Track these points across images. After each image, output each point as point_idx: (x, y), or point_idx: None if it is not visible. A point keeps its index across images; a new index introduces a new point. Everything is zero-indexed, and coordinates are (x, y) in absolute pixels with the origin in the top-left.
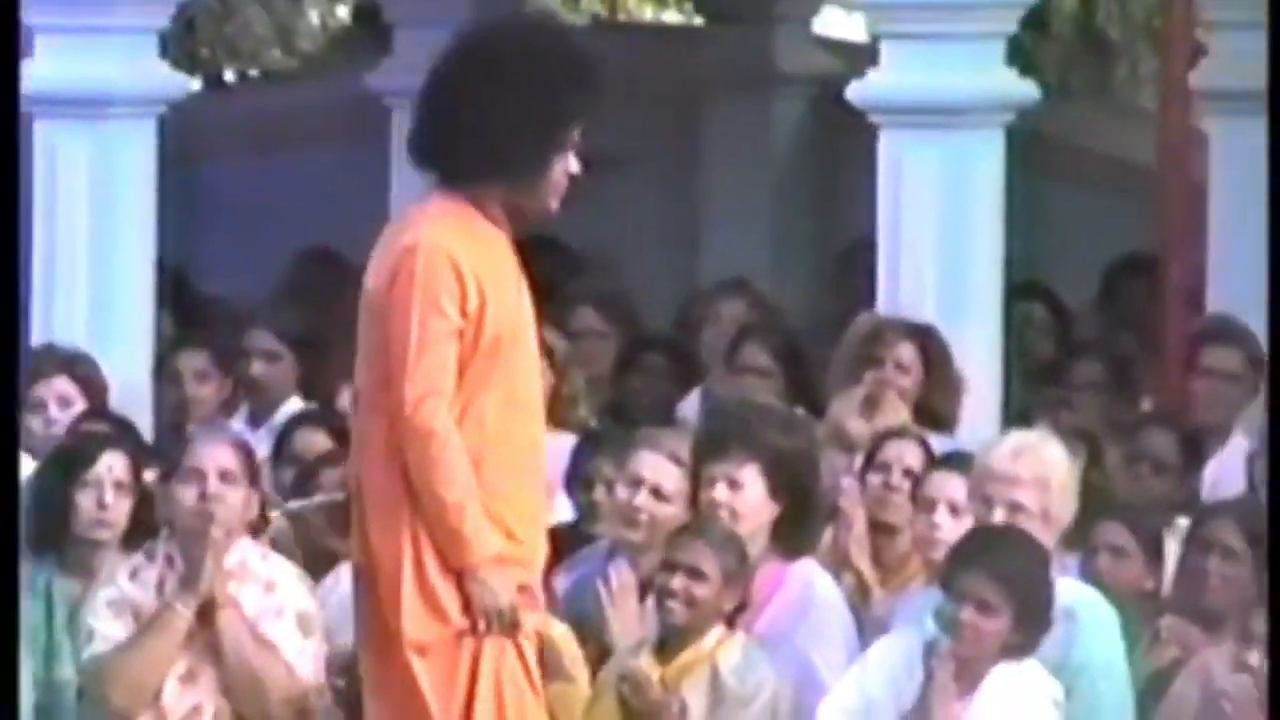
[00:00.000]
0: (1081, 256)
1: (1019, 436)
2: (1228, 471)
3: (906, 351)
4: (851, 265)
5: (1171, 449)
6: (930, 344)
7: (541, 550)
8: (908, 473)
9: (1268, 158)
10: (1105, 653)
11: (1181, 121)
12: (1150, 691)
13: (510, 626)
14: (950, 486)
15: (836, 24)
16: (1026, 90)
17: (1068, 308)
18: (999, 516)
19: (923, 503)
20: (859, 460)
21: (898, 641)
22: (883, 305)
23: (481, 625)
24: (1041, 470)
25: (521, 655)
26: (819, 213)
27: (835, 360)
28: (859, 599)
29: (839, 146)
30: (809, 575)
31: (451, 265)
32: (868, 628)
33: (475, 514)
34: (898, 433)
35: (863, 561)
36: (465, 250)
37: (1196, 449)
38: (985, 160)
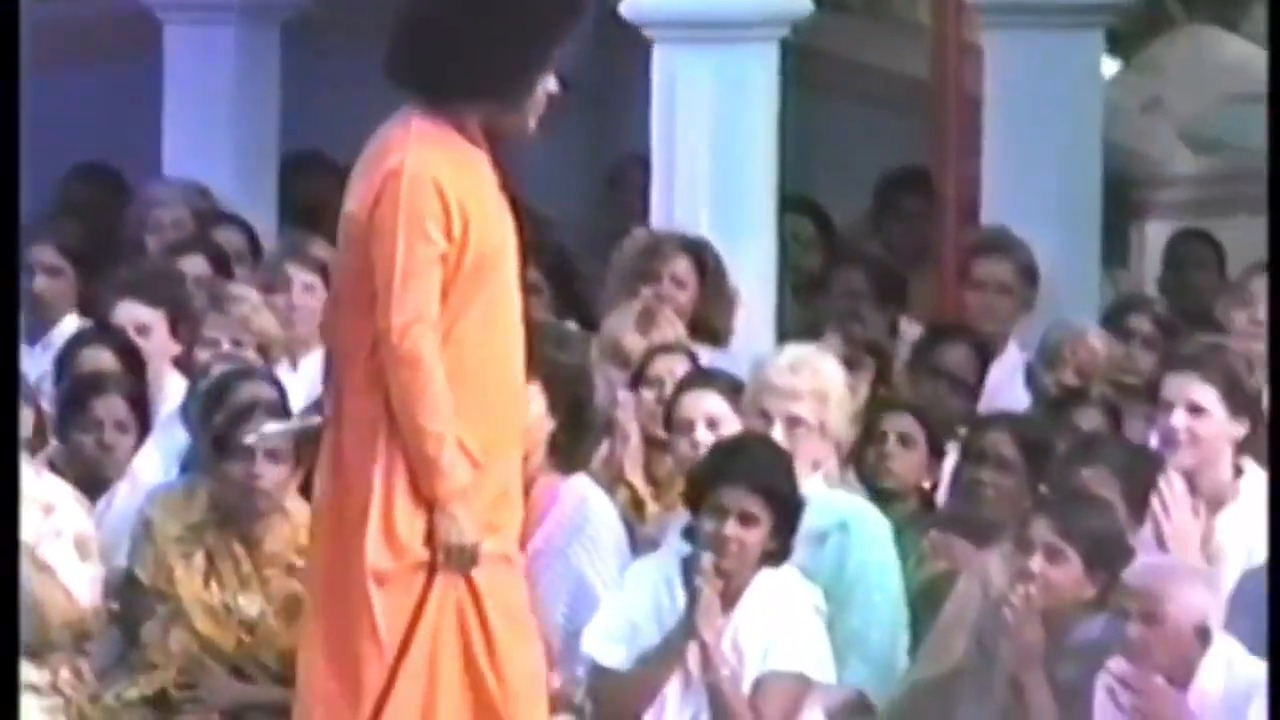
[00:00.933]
0: (857, 171)
1: (796, 350)
2: (1003, 383)
3: (681, 266)
4: (624, 181)
5: (964, 362)
6: (705, 258)
7: (509, 473)
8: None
9: (1268, 154)
10: (878, 563)
11: (955, 35)
12: (923, 601)
13: (468, 563)
14: (705, 403)
15: None
16: (800, 4)
17: (834, 222)
18: (777, 430)
19: (680, 424)
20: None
21: (654, 563)
22: (657, 220)
23: (441, 558)
24: (819, 383)
25: (474, 588)
26: (591, 129)
27: (610, 276)
28: (633, 513)
29: (611, 62)
30: (583, 490)
31: (437, 190)
32: (641, 543)
33: (452, 446)
34: (670, 347)
35: (636, 476)
36: (449, 173)
37: (983, 362)
38: (759, 75)
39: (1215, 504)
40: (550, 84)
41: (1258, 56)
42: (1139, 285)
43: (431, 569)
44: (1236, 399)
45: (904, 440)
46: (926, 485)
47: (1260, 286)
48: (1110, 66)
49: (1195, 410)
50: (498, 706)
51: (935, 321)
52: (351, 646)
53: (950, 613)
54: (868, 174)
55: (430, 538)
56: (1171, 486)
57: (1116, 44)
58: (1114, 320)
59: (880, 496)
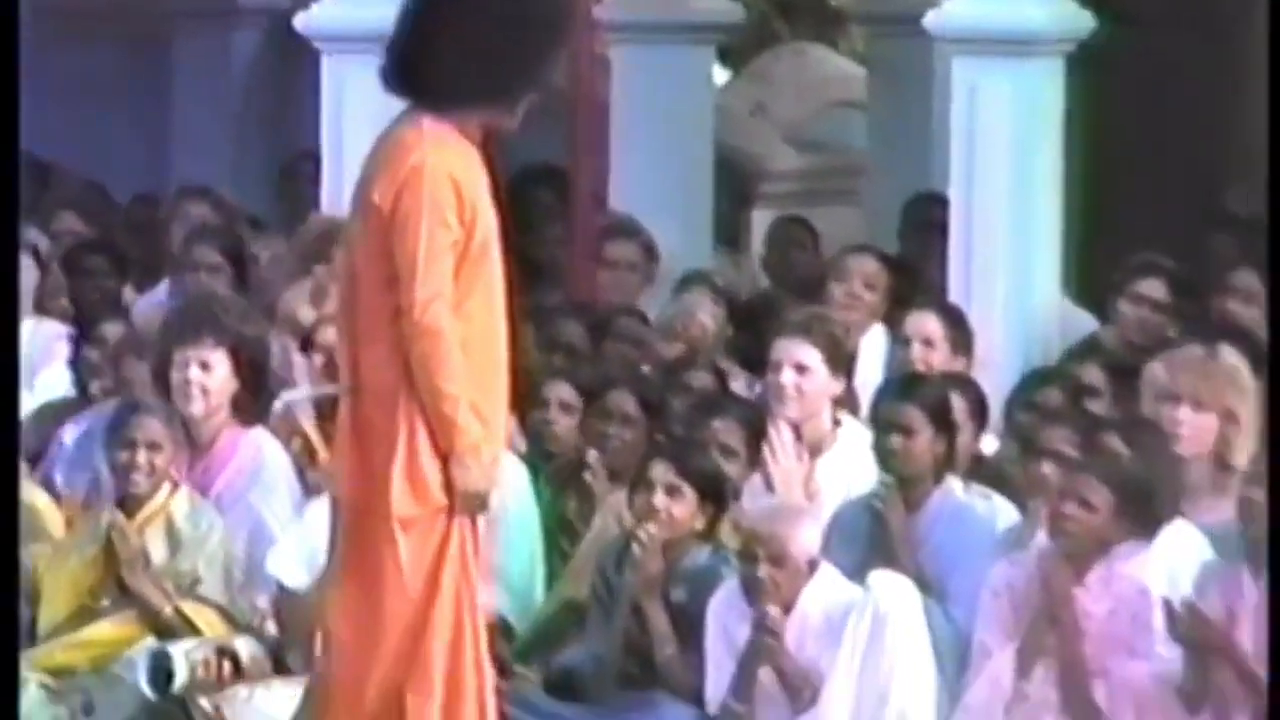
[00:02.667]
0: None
1: None
2: None
3: None
4: (298, 175)
5: (580, 335)
6: None
7: (503, 430)
8: None
9: (1268, 150)
10: (518, 506)
11: (588, 49)
12: (561, 536)
13: (480, 507)
14: None
15: None
16: None
17: None
18: None
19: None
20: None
21: (324, 501)
22: (328, 208)
23: (458, 504)
24: None
25: (475, 529)
26: (269, 128)
27: (286, 255)
28: (306, 459)
29: (285, 70)
30: (260, 441)
31: (453, 183)
32: (313, 485)
33: (465, 406)
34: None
35: (309, 427)
36: (461, 169)
37: (602, 334)
38: None
39: (815, 451)
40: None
41: (854, 70)
42: (749, 264)
43: (450, 513)
44: (836, 360)
45: (564, 407)
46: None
47: (855, 263)
48: (722, 76)
49: (801, 369)
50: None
51: (568, 299)
52: (376, 589)
53: (586, 546)
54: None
55: (447, 488)
56: (780, 436)
57: (728, 57)
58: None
59: (542, 456)
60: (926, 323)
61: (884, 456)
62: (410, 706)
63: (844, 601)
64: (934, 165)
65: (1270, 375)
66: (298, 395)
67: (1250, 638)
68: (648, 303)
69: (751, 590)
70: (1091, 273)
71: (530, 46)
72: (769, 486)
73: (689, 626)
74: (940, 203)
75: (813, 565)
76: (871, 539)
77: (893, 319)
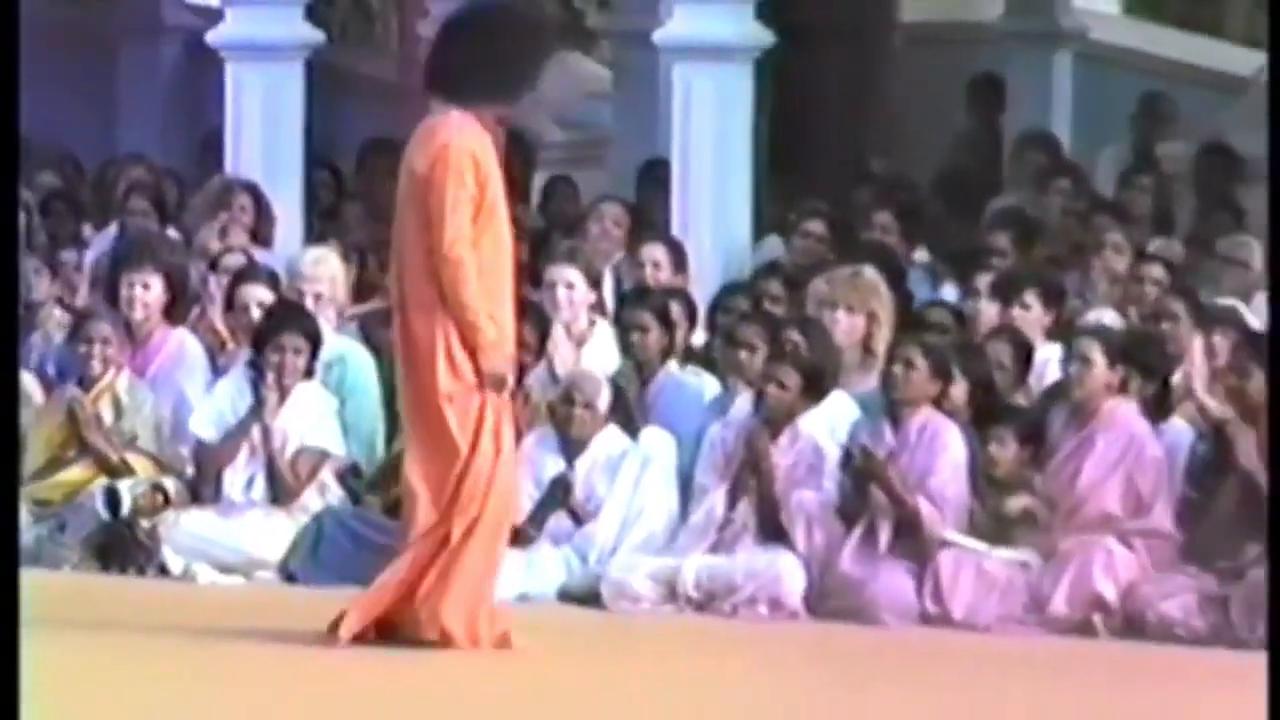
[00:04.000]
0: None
1: (315, 250)
2: None
3: (244, 199)
4: (209, 147)
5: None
6: (259, 194)
7: (512, 331)
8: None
9: (1268, 158)
10: (365, 380)
11: (416, 53)
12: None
13: (501, 385)
14: (255, 290)
15: None
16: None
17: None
18: (308, 300)
19: (239, 302)
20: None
21: (232, 378)
22: (230, 171)
23: (486, 382)
24: (330, 271)
25: (504, 402)
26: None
27: (198, 203)
28: (218, 348)
29: (204, 73)
30: (182, 337)
31: (472, 158)
32: (221, 368)
33: (483, 312)
34: (233, 249)
35: (220, 325)
36: (477, 146)
37: None
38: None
39: (580, 343)
40: (531, 93)
41: (603, 71)
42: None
43: (480, 389)
44: (591, 279)
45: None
46: None
47: (606, 209)
48: None
49: (569, 285)
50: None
51: None
52: (433, 447)
53: None
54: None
55: (476, 372)
56: (557, 333)
57: None
58: None
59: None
60: (655, 251)
61: (625, 347)
62: (454, 526)
63: (621, 448)
64: (659, 139)
65: (1270, 374)
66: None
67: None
68: None
69: (564, 427)
70: (774, 214)
71: (524, 60)
72: (550, 369)
73: None
74: (665, 165)
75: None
76: (615, 406)
77: (632, 248)
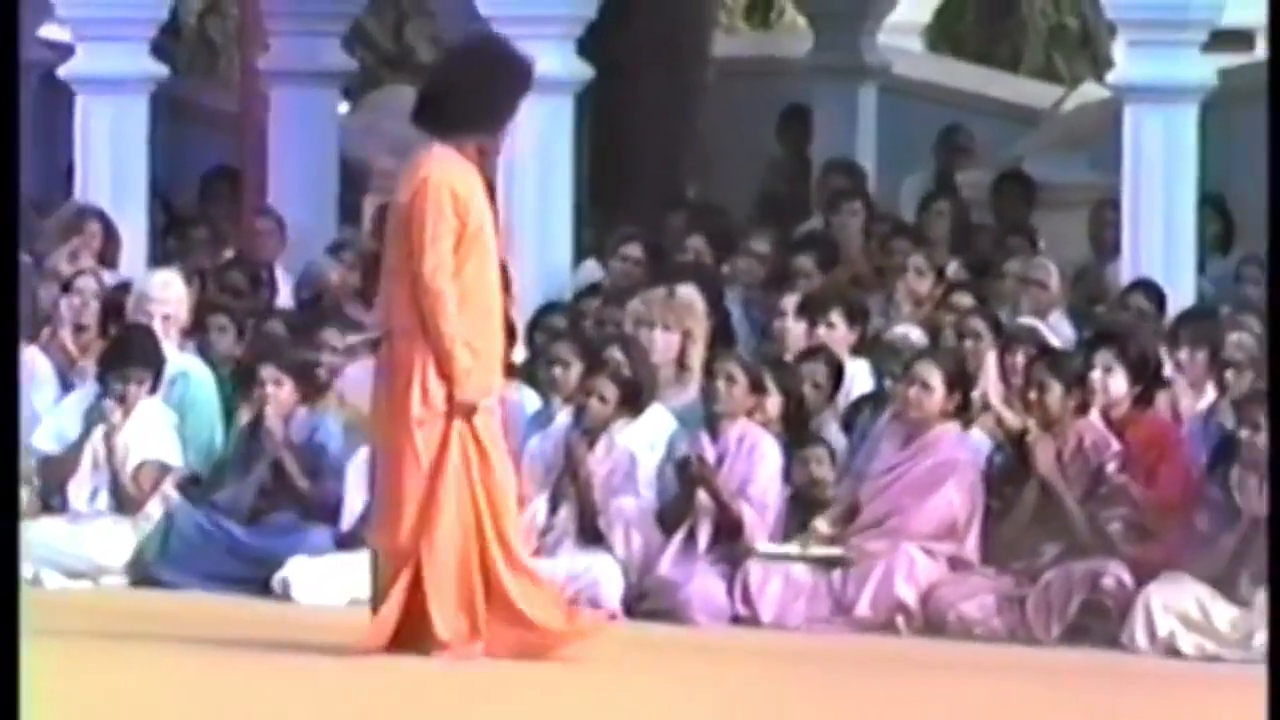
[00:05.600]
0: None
1: (162, 274)
2: None
3: (94, 225)
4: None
5: (243, 280)
6: (107, 220)
7: (495, 358)
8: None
9: (1268, 158)
10: (205, 395)
11: (254, 89)
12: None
13: (469, 413)
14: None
15: None
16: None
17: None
18: (156, 323)
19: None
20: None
21: (76, 397)
22: (80, 198)
23: (455, 410)
24: (177, 292)
25: (473, 428)
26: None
27: (50, 228)
28: (68, 365)
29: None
30: (32, 356)
31: (450, 190)
32: (71, 383)
33: (461, 343)
34: (84, 272)
35: (70, 345)
36: (458, 179)
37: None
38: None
39: None
40: (511, 124)
41: None
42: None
43: (449, 417)
44: None
45: (220, 330)
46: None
47: None
48: (344, 107)
49: None
50: (490, 497)
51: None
52: (400, 469)
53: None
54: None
55: (448, 399)
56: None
57: (349, 93)
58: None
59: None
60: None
61: None
62: (422, 550)
63: None
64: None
65: (1270, 373)
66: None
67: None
68: (287, 260)
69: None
70: (595, 239)
71: (503, 95)
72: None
73: (316, 470)
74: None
75: None
76: None
77: None
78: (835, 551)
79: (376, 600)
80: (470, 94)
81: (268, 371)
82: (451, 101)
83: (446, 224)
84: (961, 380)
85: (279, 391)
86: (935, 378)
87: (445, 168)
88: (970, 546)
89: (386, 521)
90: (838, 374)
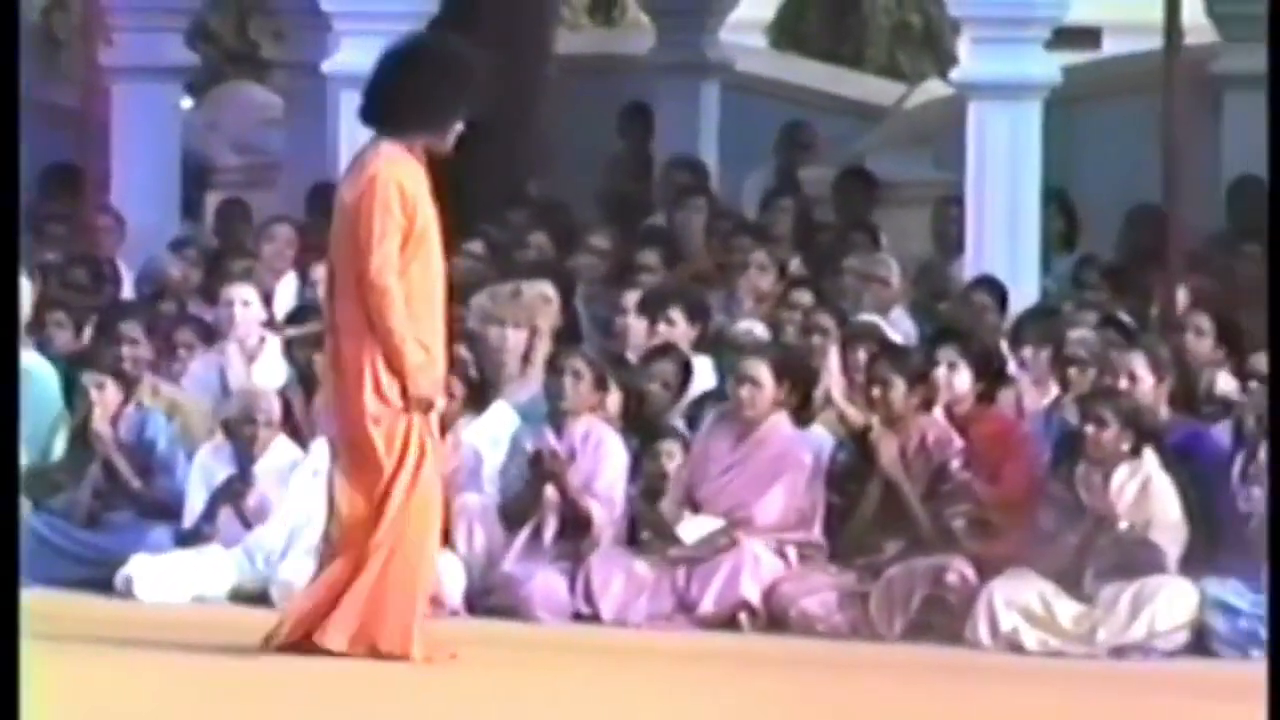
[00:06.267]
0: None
1: None
2: None
3: None
4: None
5: (85, 275)
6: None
7: (443, 354)
8: None
9: (1268, 153)
10: (46, 396)
11: (95, 85)
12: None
13: (427, 408)
14: None
15: None
16: None
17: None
18: None
19: None
20: None
21: None
22: None
23: (411, 405)
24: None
25: (427, 422)
26: None
27: None
28: None
29: None
30: None
31: (399, 188)
32: None
33: (409, 338)
34: None
35: None
36: (405, 177)
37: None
38: None
39: (252, 358)
40: (459, 125)
41: (275, 99)
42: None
43: (406, 412)
44: (265, 297)
45: (59, 325)
46: None
47: (276, 230)
48: (187, 104)
49: (245, 304)
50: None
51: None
52: (359, 465)
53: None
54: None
55: (403, 395)
56: (230, 348)
57: (193, 89)
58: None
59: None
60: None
61: (293, 361)
62: (381, 544)
63: (291, 458)
64: (328, 163)
65: (1271, 374)
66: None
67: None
68: (128, 255)
69: (239, 439)
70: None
71: (451, 93)
72: (223, 382)
73: (147, 468)
74: (332, 188)
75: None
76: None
77: (303, 268)
78: (716, 525)
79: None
80: (417, 92)
81: (88, 376)
82: (398, 100)
83: (394, 222)
84: (790, 372)
85: (102, 395)
86: (763, 373)
87: (393, 166)
88: (818, 531)
89: (344, 521)
90: (687, 372)
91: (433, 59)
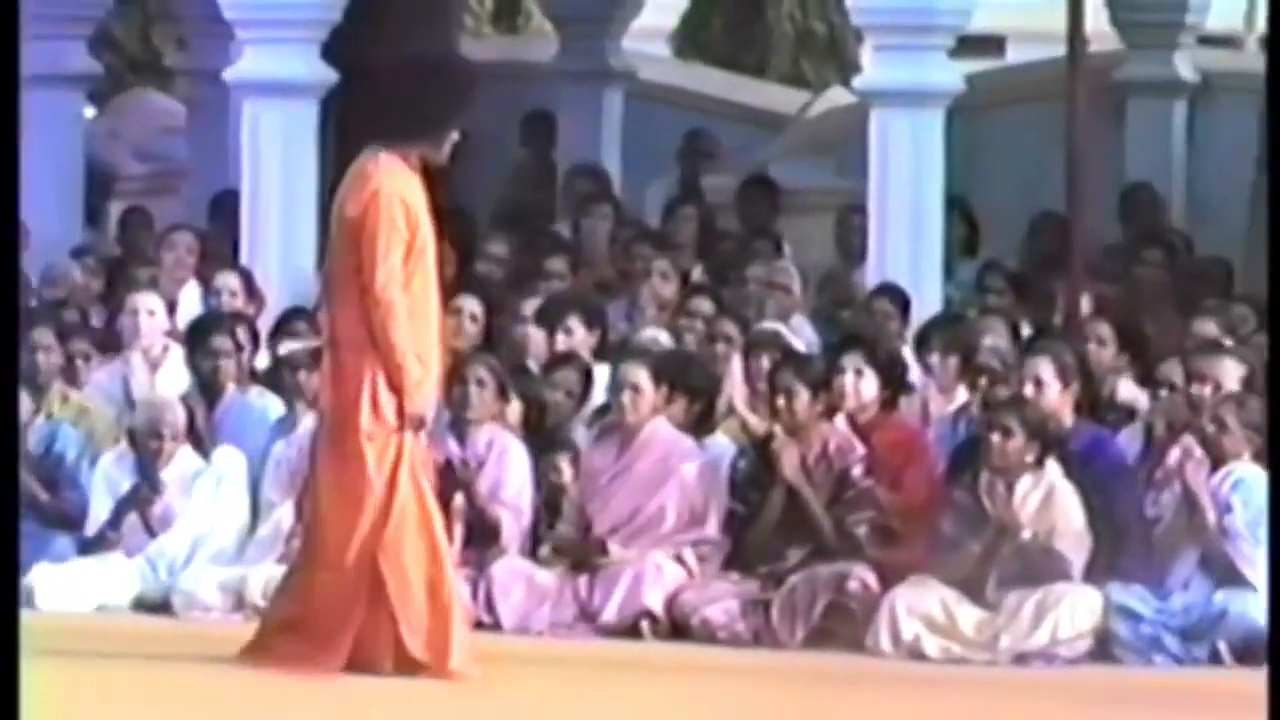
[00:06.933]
0: None
1: None
2: None
3: None
4: None
5: None
6: None
7: (437, 370)
8: None
9: (1268, 157)
10: None
11: None
12: None
13: (420, 426)
14: None
15: None
16: None
17: None
18: None
19: None
20: None
21: None
22: None
23: (406, 424)
24: None
25: (417, 441)
26: None
27: None
28: None
29: None
30: None
31: (402, 202)
32: None
33: (411, 355)
34: None
35: None
36: (406, 190)
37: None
38: None
39: (155, 368)
40: (454, 135)
41: (178, 107)
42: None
43: (399, 430)
44: (169, 306)
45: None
46: None
47: (178, 237)
48: (90, 112)
49: (151, 313)
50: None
51: None
52: (350, 483)
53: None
54: None
55: (399, 412)
56: (134, 355)
57: (95, 99)
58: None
59: None
60: (230, 279)
61: (195, 370)
62: (381, 565)
63: (194, 466)
64: (230, 172)
65: (1270, 373)
66: (296, 346)
67: None
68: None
69: (144, 449)
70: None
71: (446, 105)
72: (127, 391)
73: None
74: (235, 196)
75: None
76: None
77: (206, 276)
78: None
79: (272, 613)
80: (413, 102)
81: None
82: (395, 110)
83: (398, 236)
84: (691, 380)
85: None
86: (643, 378)
87: (394, 179)
88: (712, 528)
89: (334, 537)
90: (589, 381)
91: (428, 68)
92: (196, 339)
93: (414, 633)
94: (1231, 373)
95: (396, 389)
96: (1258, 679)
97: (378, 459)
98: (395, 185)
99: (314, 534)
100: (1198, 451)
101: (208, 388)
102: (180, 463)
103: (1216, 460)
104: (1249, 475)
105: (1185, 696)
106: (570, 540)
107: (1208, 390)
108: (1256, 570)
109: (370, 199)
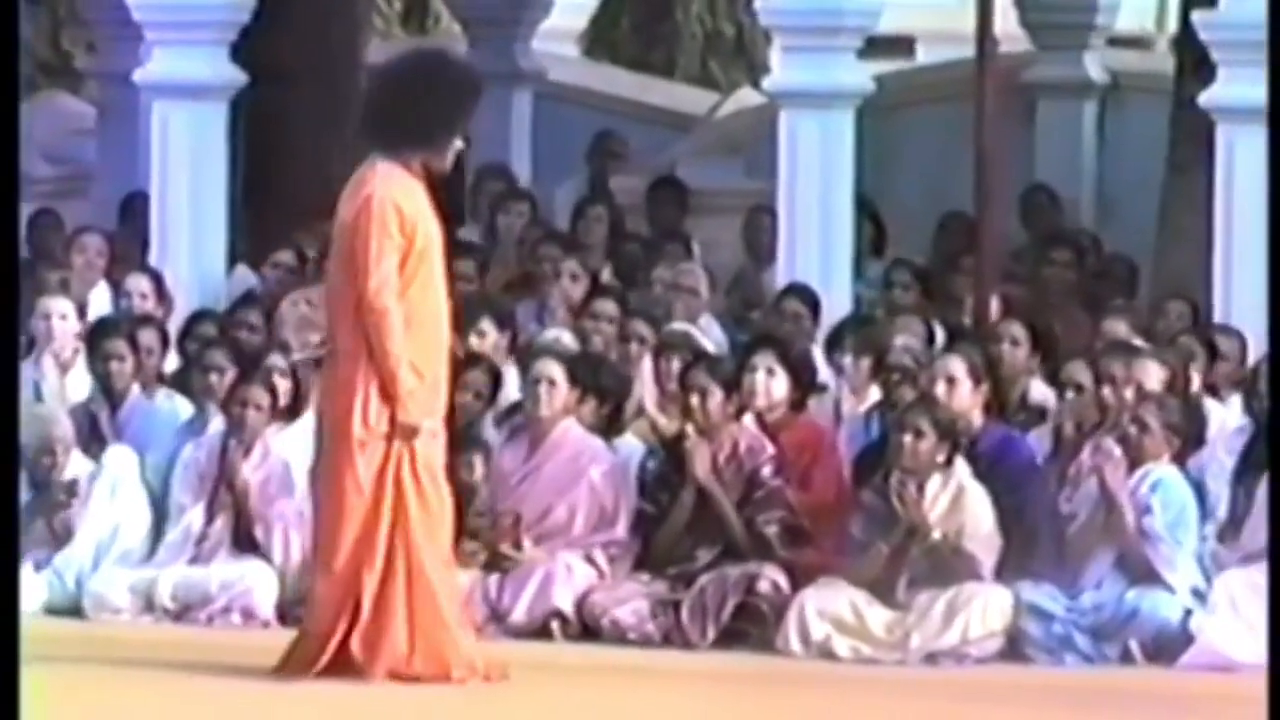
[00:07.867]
0: None
1: None
2: None
3: None
4: None
5: None
6: None
7: (440, 378)
8: None
9: (1267, 163)
10: None
11: None
12: None
13: (410, 436)
14: None
15: None
16: None
17: None
18: None
19: None
20: None
21: None
22: None
23: (396, 433)
24: None
25: (412, 451)
26: None
27: None
28: None
29: None
30: None
31: (395, 208)
32: None
33: (405, 364)
34: None
35: None
36: (402, 196)
37: None
38: None
39: None
40: (458, 141)
41: (88, 109)
42: None
43: (390, 439)
44: (81, 310)
45: None
46: None
47: (87, 240)
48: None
49: (63, 317)
50: (428, 519)
51: None
52: (341, 487)
53: None
54: None
55: (391, 422)
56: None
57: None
58: None
59: None
60: (140, 282)
61: (100, 373)
62: (363, 579)
63: (89, 470)
64: (140, 174)
65: (1270, 373)
66: (305, 354)
67: None
68: None
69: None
70: (246, 246)
71: (448, 111)
72: (39, 395)
73: None
74: (145, 198)
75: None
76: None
77: (116, 279)
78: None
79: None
80: (414, 109)
81: None
82: (396, 117)
83: (391, 241)
84: (599, 380)
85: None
86: (558, 372)
87: (389, 185)
88: (621, 530)
89: (324, 545)
90: (498, 381)
91: (428, 75)
92: (94, 343)
93: (403, 640)
94: (1153, 374)
95: (389, 398)
96: (1167, 677)
97: (367, 467)
98: (390, 191)
99: (314, 541)
100: (1116, 452)
101: (108, 391)
102: (73, 471)
103: (1135, 461)
104: (1168, 476)
105: (1096, 695)
106: (484, 531)
107: (1129, 392)
108: (1176, 573)
109: (363, 204)
